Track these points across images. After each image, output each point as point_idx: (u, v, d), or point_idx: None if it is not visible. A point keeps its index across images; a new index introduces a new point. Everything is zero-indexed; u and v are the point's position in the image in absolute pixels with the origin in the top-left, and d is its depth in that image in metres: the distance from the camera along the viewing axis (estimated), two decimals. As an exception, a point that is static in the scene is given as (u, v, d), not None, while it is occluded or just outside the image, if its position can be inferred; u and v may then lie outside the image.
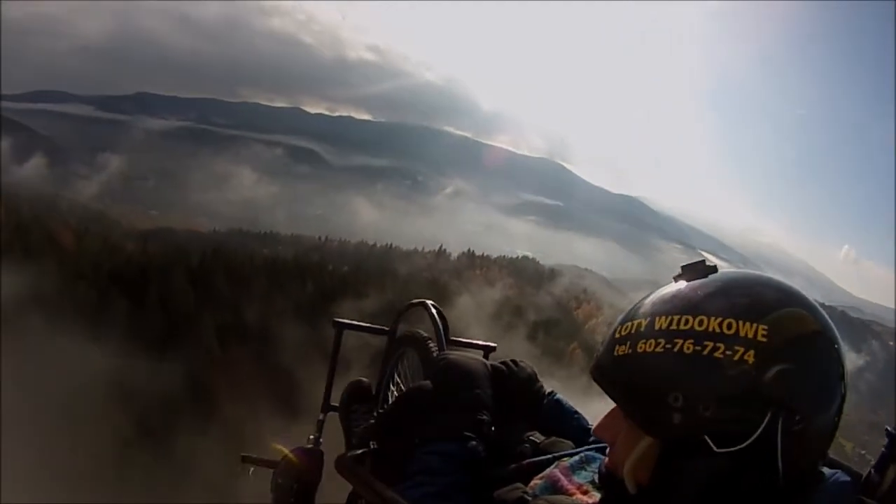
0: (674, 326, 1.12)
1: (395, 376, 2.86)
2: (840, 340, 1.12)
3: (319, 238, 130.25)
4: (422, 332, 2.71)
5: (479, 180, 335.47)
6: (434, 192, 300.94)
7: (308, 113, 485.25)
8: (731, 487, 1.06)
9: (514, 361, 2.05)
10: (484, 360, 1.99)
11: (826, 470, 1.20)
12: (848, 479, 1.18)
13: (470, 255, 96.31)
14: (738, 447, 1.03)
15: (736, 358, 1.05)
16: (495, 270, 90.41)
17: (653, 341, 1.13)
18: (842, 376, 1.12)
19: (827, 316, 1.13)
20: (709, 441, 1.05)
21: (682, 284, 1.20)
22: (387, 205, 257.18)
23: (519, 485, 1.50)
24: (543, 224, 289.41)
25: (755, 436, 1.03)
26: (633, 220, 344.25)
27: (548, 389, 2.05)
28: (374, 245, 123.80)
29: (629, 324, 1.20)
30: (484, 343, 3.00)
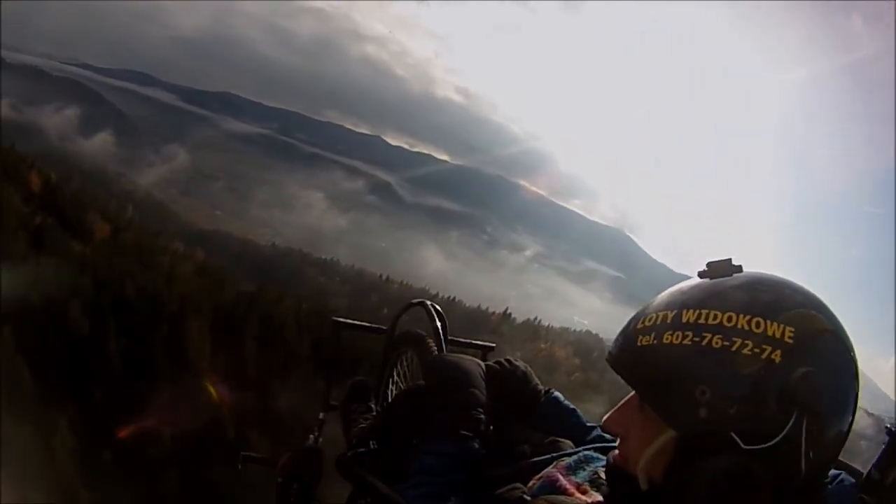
0: (702, 320, 1.11)
1: (394, 376, 2.89)
2: (852, 345, 1.13)
3: (381, 276, 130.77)
4: (420, 331, 2.72)
5: (548, 241, 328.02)
6: (502, 246, 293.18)
7: (389, 144, 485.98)
8: (751, 486, 1.04)
9: (508, 361, 2.04)
10: (479, 360, 1.99)
11: (832, 470, 1.20)
12: (853, 480, 1.19)
13: (535, 325, 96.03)
14: (766, 445, 1.03)
15: (763, 357, 1.05)
16: (560, 346, 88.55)
17: (680, 333, 1.12)
18: (855, 377, 1.12)
19: (839, 319, 1.14)
20: (736, 437, 1.04)
21: (707, 280, 1.20)
22: (453, 252, 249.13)
23: (518, 485, 1.49)
24: (605, 295, 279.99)
25: (782, 434, 1.03)
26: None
27: (544, 388, 2.03)
28: (437, 295, 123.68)
29: (653, 315, 1.18)
30: (482, 343, 3.03)
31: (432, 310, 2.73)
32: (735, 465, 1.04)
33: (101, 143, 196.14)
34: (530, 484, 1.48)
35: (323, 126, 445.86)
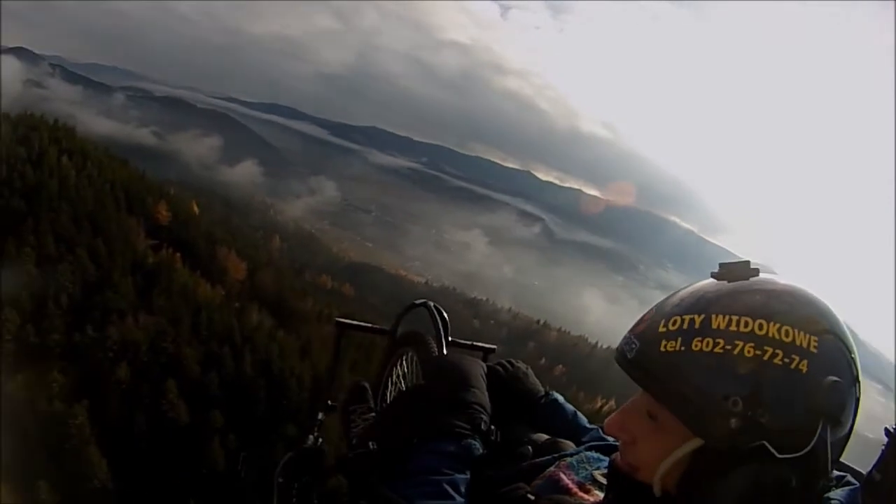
0: (733, 328, 1.09)
1: (395, 376, 2.88)
2: (855, 350, 1.15)
3: (538, 321, 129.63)
4: (422, 332, 2.71)
5: (697, 279, 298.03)
6: (653, 285, 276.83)
7: (539, 179, 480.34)
8: (784, 494, 1.06)
9: (510, 362, 2.08)
10: (480, 361, 2.03)
11: (835, 473, 1.22)
12: (856, 483, 1.20)
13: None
14: (798, 454, 1.04)
15: (793, 367, 1.06)
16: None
17: (710, 340, 1.09)
18: (857, 381, 1.14)
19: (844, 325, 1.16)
20: (769, 447, 1.04)
21: (731, 285, 1.17)
22: (607, 292, 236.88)
23: (521, 484, 1.50)
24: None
25: (812, 444, 1.04)
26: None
27: (545, 390, 2.06)
28: (596, 345, 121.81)
29: (677, 318, 1.14)
30: (484, 344, 3.02)
31: (434, 311, 2.69)
32: (769, 475, 1.05)
33: (246, 173, 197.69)
34: (533, 484, 1.49)
35: (472, 160, 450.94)
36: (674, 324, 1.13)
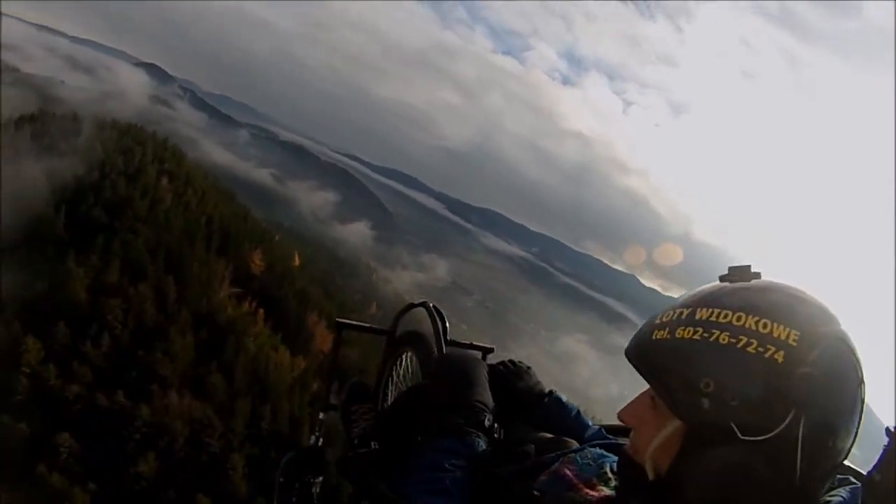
0: (713, 318, 1.17)
1: (395, 376, 2.93)
2: (858, 353, 1.18)
3: None
4: (421, 332, 2.77)
5: None
6: None
7: (643, 285, 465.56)
8: (748, 478, 1.10)
9: (511, 361, 2.15)
10: (482, 360, 2.13)
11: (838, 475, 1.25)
12: (858, 484, 1.23)
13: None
14: (762, 437, 1.09)
15: (767, 355, 1.11)
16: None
17: (691, 329, 1.18)
18: (860, 384, 1.16)
19: (845, 328, 1.19)
20: (734, 428, 1.10)
21: (727, 284, 1.25)
22: None
23: (526, 481, 1.53)
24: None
25: (778, 430, 1.08)
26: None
27: (547, 389, 2.12)
28: None
29: (670, 312, 1.24)
30: (482, 345, 3.01)
31: (433, 311, 2.72)
32: (733, 456, 1.10)
33: (357, 233, 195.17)
34: (538, 480, 1.52)
35: (581, 257, 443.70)
36: (666, 316, 1.24)
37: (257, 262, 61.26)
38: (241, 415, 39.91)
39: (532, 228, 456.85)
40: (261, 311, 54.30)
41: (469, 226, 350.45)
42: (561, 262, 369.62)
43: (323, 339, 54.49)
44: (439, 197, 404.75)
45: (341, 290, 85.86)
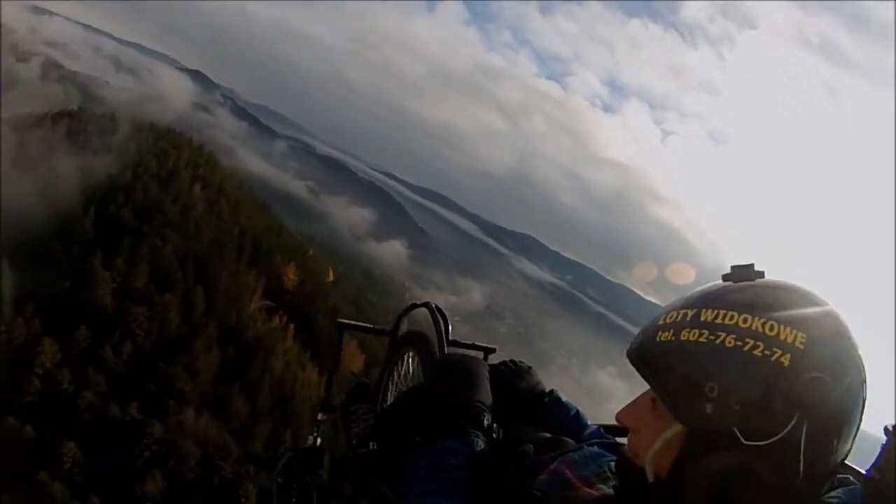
0: (719, 320, 1.15)
1: (396, 376, 2.93)
2: (861, 354, 1.17)
3: None
4: (423, 333, 2.77)
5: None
6: None
7: None
8: (750, 482, 1.10)
9: (512, 361, 2.14)
10: (483, 360, 2.12)
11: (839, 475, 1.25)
12: (858, 484, 1.22)
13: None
14: (764, 442, 1.08)
15: (773, 359, 1.09)
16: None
17: (696, 331, 1.16)
18: (863, 384, 1.16)
19: (850, 329, 1.19)
20: (737, 433, 1.09)
21: (730, 284, 1.24)
22: None
23: (525, 481, 1.53)
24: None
25: (781, 434, 1.07)
26: None
27: (547, 389, 2.11)
28: None
29: (674, 313, 1.22)
30: (484, 345, 3.00)
31: (435, 311, 2.74)
32: (735, 461, 1.09)
33: (392, 252, 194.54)
34: (537, 480, 1.52)
35: (614, 287, 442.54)
36: (671, 317, 1.21)
37: (290, 276, 59.57)
38: (259, 438, 37.43)
39: (566, 255, 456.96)
40: (291, 326, 52.38)
41: (504, 249, 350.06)
42: (594, 291, 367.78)
43: (352, 357, 52.20)
44: (475, 220, 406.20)
45: (373, 308, 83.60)
